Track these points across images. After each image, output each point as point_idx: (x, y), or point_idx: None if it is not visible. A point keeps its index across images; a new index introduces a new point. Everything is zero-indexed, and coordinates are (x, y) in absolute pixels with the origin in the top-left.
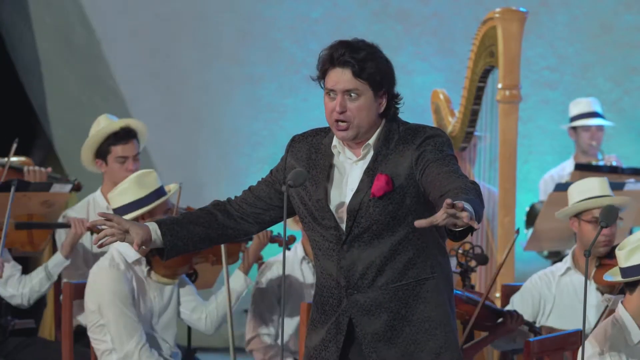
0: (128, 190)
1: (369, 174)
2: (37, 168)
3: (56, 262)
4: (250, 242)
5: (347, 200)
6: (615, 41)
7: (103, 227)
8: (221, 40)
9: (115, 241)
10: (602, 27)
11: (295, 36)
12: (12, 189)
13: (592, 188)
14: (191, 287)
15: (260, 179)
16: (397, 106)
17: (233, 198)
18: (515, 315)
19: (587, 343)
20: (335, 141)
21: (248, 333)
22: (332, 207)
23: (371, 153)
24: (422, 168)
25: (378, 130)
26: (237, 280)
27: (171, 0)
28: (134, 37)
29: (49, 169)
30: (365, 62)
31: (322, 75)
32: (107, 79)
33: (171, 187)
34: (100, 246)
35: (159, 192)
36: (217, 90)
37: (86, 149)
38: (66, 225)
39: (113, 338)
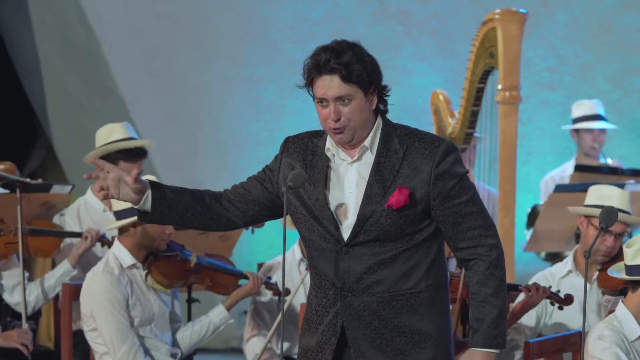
0: None
1: (377, 178)
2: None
3: (64, 271)
4: (242, 281)
5: (346, 201)
6: (615, 42)
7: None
8: (221, 41)
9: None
10: (602, 28)
11: (295, 37)
12: (18, 191)
13: (613, 197)
14: (178, 305)
15: (251, 176)
16: (386, 98)
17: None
18: (534, 287)
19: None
20: (328, 144)
21: (246, 334)
22: (332, 207)
23: (368, 154)
24: (441, 201)
25: (373, 130)
26: (218, 314)
27: (171, 0)
28: (134, 37)
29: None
30: (351, 64)
31: (309, 83)
32: (107, 80)
33: None
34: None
35: None
36: (217, 90)
37: (96, 152)
38: (78, 235)
39: (106, 343)
